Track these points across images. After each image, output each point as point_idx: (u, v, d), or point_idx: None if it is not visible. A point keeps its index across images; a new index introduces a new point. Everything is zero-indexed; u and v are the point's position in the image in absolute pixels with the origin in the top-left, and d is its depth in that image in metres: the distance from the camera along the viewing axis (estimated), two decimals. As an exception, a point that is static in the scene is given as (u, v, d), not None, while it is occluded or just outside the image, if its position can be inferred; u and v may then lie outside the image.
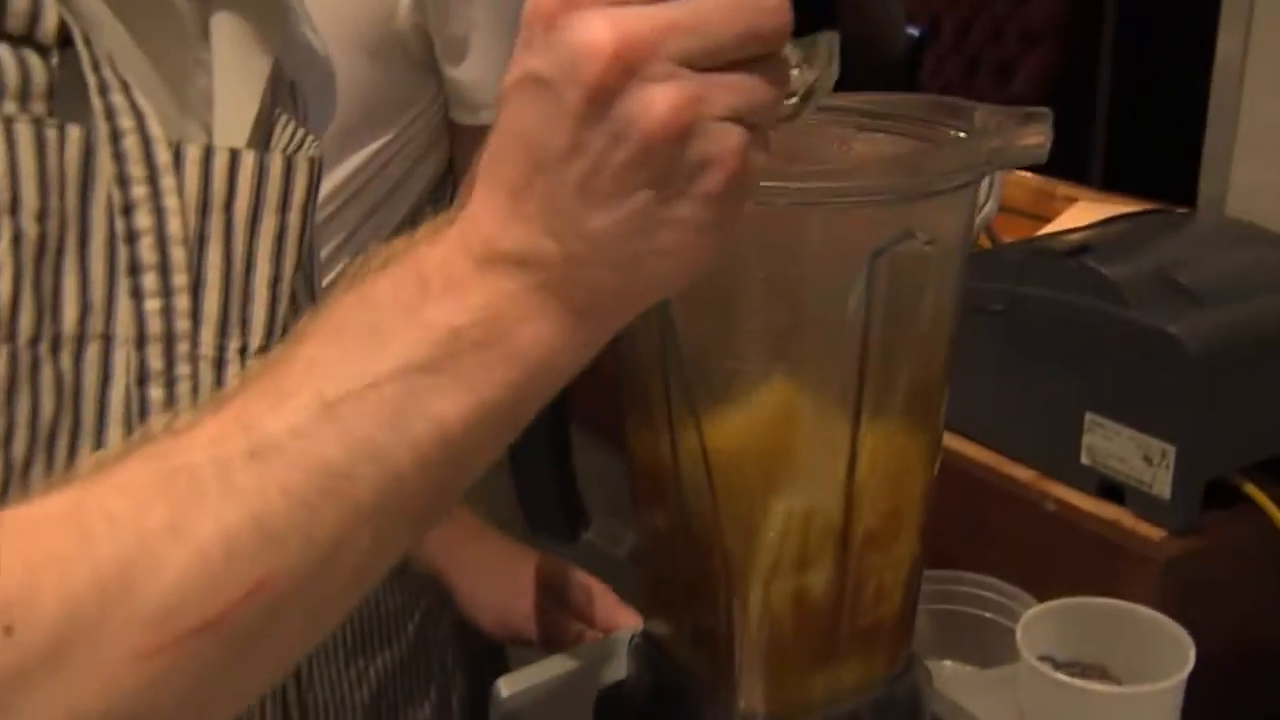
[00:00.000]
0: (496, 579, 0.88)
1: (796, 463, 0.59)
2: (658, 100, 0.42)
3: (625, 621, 0.83)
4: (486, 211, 0.45)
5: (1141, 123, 2.86)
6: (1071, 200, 1.40)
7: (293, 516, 0.42)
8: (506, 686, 0.73)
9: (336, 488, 0.43)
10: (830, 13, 1.84)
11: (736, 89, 0.43)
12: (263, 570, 0.42)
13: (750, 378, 0.58)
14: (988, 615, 0.89)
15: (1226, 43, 1.00)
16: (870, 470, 0.59)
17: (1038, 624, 0.82)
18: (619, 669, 0.71)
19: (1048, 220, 1.34)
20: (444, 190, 1.36)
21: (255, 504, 0.42)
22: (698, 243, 0.44)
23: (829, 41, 0.49)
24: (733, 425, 0.58)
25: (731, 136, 0.43)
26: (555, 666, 0.75)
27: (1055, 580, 0.85)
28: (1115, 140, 2.89)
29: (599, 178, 0.43)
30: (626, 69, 0.41)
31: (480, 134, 1.37)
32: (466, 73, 1.22)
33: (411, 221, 1.32)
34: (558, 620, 0.85)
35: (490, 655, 1.54)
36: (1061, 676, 0.78)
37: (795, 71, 0.47)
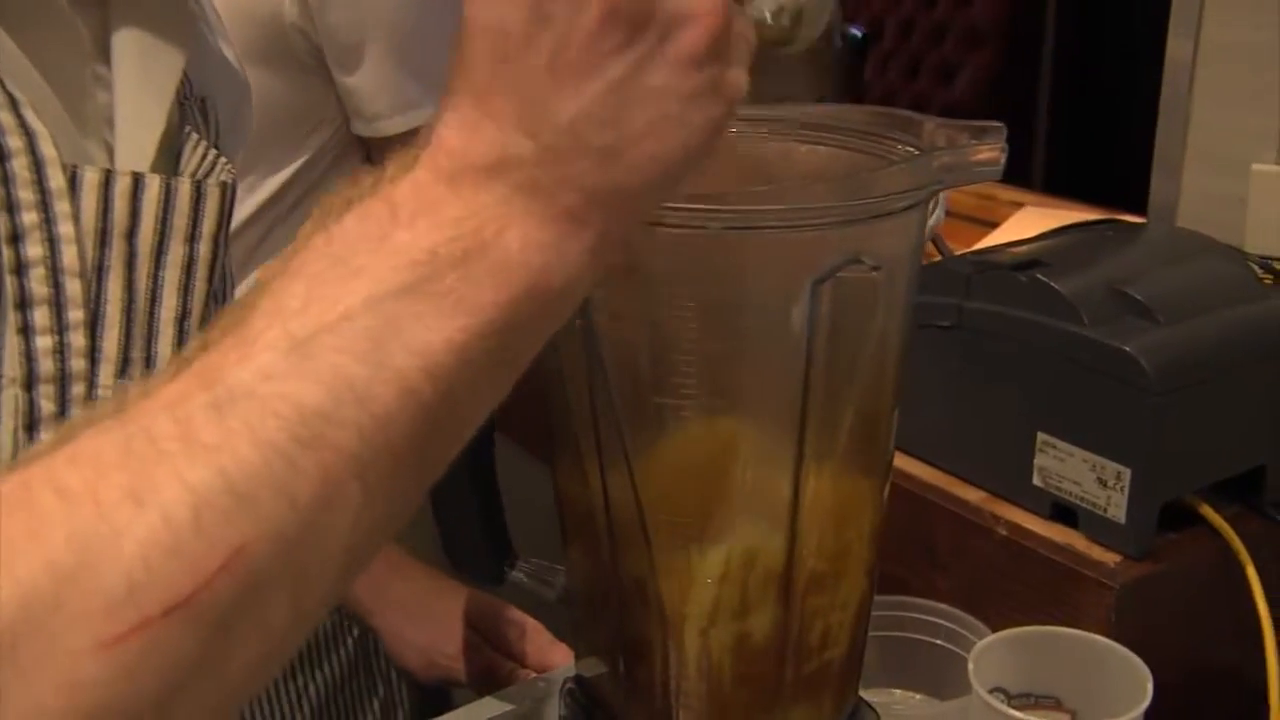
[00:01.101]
0: (422, 618, 0.84)
1: (735, 503, 0.55)
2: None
3: (559, 659, 0.79)
4: (454, 123, 0.40)
5: (1082, 126, 2.85)
6: (1016, 205, 1.38)
7: (269, 471, 0.36)
8: (432, 732, 0.69)
9: (316, 434, 0.36)
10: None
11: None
12: (238, 537, 0.35)
13: (685, 414, 0.54)
14: (938, 642, 0.85)
15: (1175, 49, 0.97)
16: (814, 509, 0.56)
17: (989, 654, 0.78)
18: (552, 712, 0.67)
19: (992, 225, 1.32)
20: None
21: (225, 459, 0.35)
22: (682, 118, 0.39)
23: None
24: (667, 465, 0.54)
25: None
26: (486, 710, 0.71)
27: (1007, 605, 0.82)
28: (1056, 143, 2.88)
29: (567, 52, 0.39)
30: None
31: (389, 144, 1.33)
32: (361, 81, 1.18)
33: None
34: (488, 659, 0.81)
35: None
36: (1014, 713, 0.75)
37: None
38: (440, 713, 1.48)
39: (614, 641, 0.60)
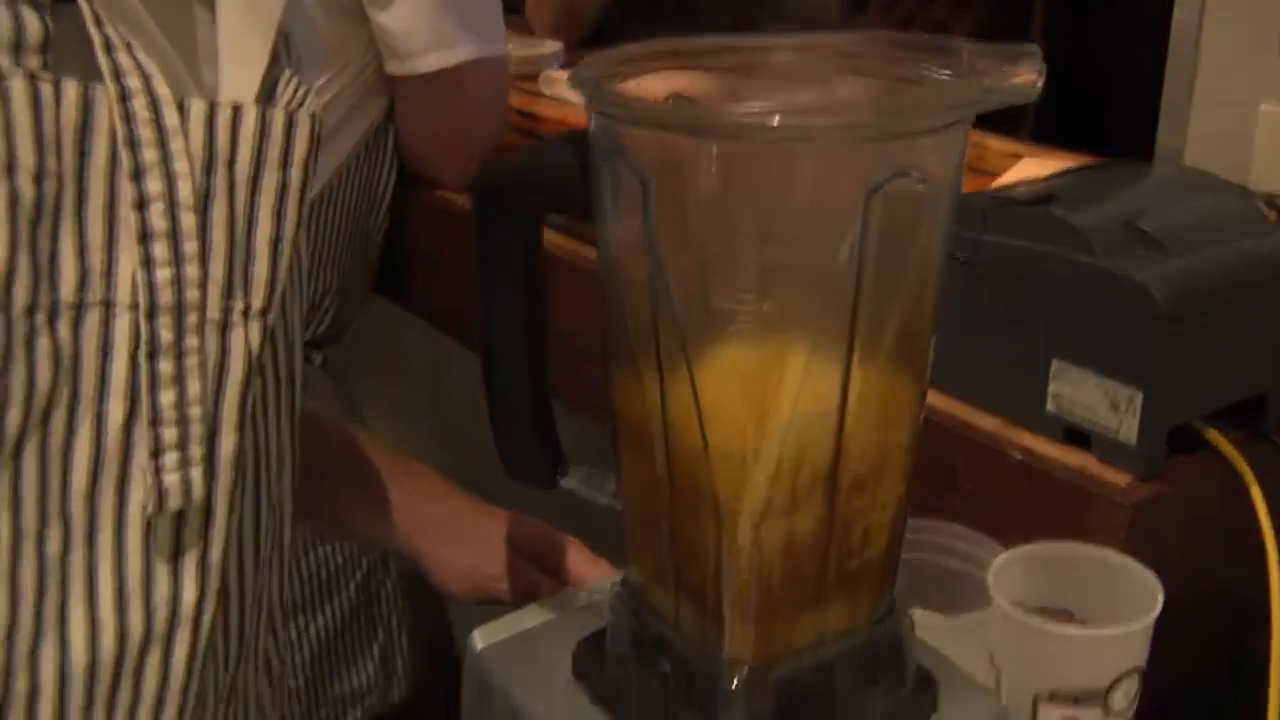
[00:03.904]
0: (464, 541, 0.87)
1: (788, 406, 0.58)
2: None
3: (600, 576, 0.82)
4: None
5: (1072, 76, 2.87)
6: (1011, 155, 1.41)
7: None
8: (482, 638, 0.72)
9: None
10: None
11: None
12: None
13: (742, 321, 0.57)
14: (954, 564, 0.89)
15: (1184, -6, 1.01)
16: (860, 412, 0.59)
17: (1007, 569, 0.82)
18: (597, 619, 0.71)
19: (987, 174, 1.35)
20: (381, 138, 1.33)
21: None
22: None
23: None
24: (724, 368, 0.57)
25: None
26: (531, 617, 0.74)
27: (1023, 527, 0.85)
28: (1046, 93, 2.90)
29: None
30: None
31: (414, 83, 1.34)
32: (394, 20, 1.20)
33: (343, 176, 1.30)
34: (531, 579, 0.84)
35: (435, 616, 1.53)
36: (1035, 620, 0.79)
37: None
38: (441, 662, 1.52)
39: (665, 542, 0.63)
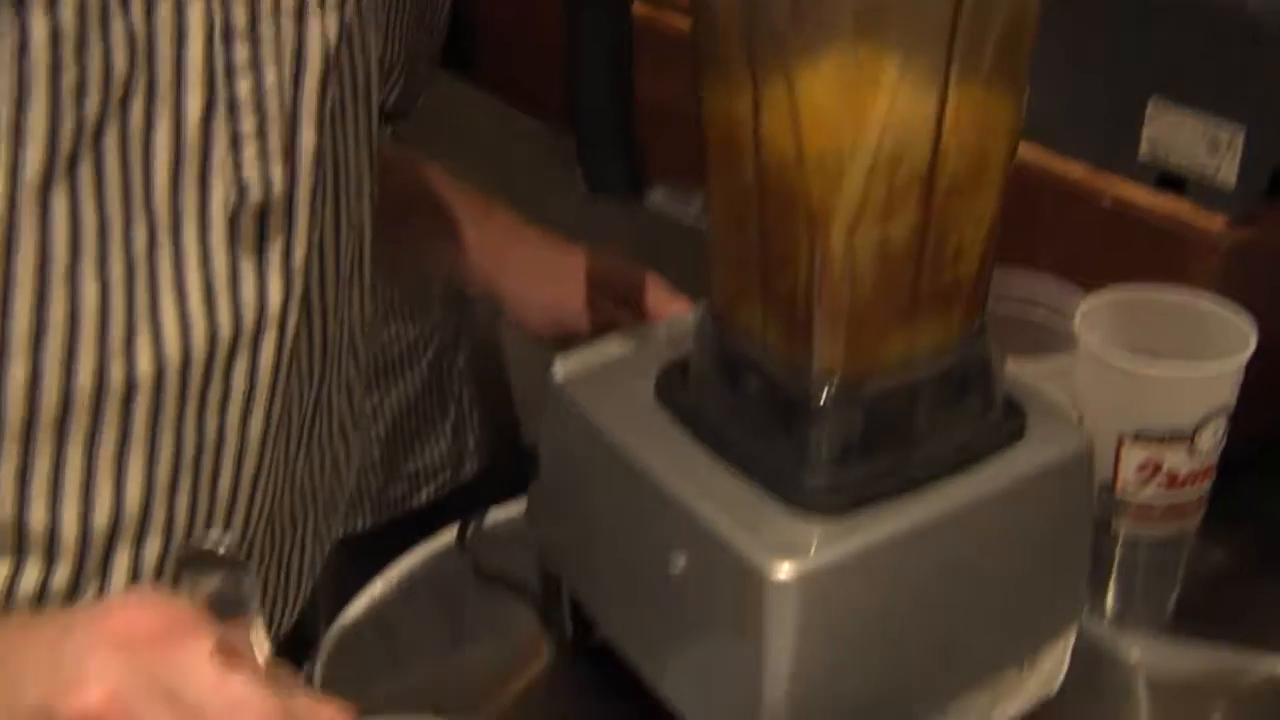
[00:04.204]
0: (544, 278, 0.86)
1: (885, 105, 0.56)
2: None
3: (680, 310, 0.81)
4: None
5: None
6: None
7: None
8: (562, 369, 0.72)
9: None
10: None
11: None
12: None
13: (840, 20, 0.55)
14: (1039, 315, 0.87)
15: None
16: (958, 116, 0.57)
17: (1094, 313, 0.81)
18: (678, 349, 0.70)
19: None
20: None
21: None
22: None
23: None
24: (821, 70, 0.55)
25: None
26: (611, 348, 0.73)
27: (1109, 277, 0.84)
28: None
29: None
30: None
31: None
32: None
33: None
34: (609, 314, 0.84)
35: (504, 393, 1.55)
36: (1124, 356, 0.77)
37: None
38: (512, 440, 1.53)
39: (754, 257, 0.62)
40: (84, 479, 0.56)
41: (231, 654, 0.43)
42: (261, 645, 0.43)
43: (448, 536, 1.07)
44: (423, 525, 1.04)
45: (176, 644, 0.43)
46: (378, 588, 1.00)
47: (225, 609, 0.42)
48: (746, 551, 0.61)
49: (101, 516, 0.57)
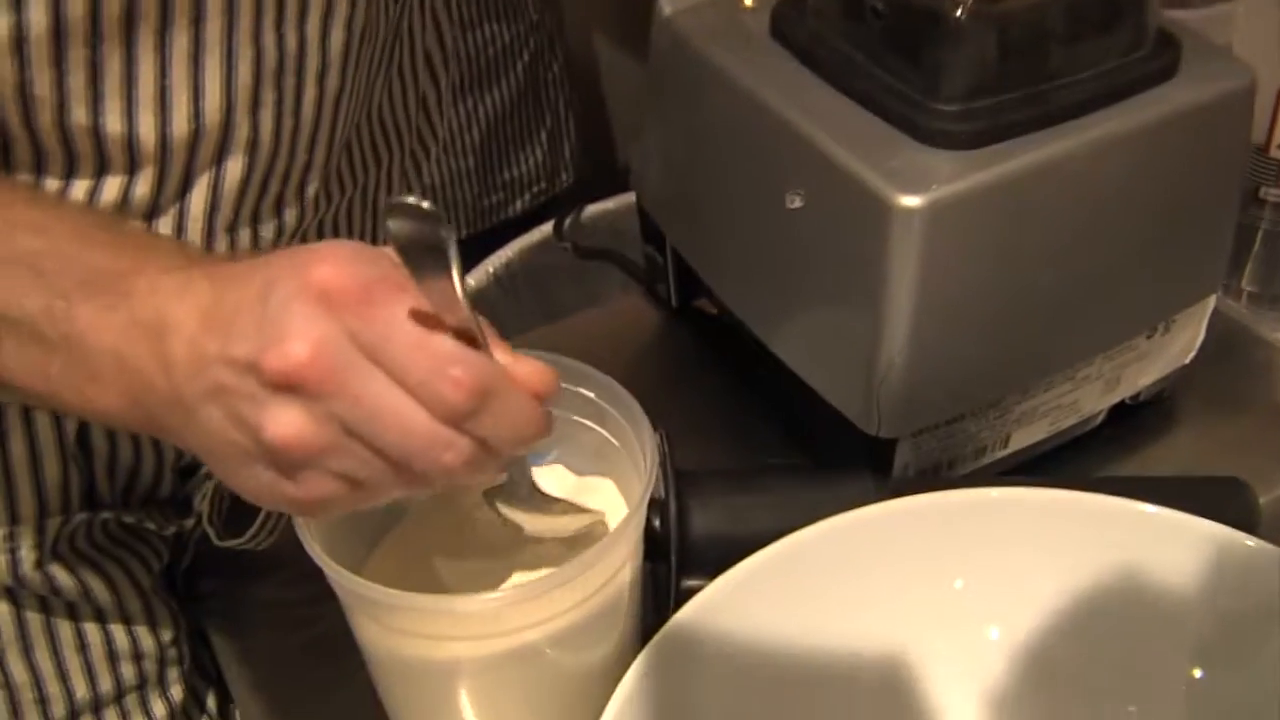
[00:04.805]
0: None
1: None
2: (288, 422, 0.41)
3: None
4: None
5: None
6: None
7: None
8: (669, 2, 0.67)
9: None
10: None
11: (364, 464, 0.42)
12: None
13: None
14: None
15: None
16: None
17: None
18: None
19: None
20: None
21: None
22: (271, 501, 0.44)
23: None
24: None
25: (323, 487, 0.42)
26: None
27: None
28: None
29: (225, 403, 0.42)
30: (299, 385, 0.41)
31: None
32: None
33: None
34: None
35: (601, 103, 1.49)
36: None
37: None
38: (609, 157, 1.47)
39: None
40: (158, 86, 0.53)
41: (429, 315, 0.42)
42: (461, 303, 0.41)
43: (545, 230, 1.05)
44: (519, 233, 1.01)
45: (379, 302, 0.41)
46: (476, 276, 0.98)
47: (424, 262, 0.40)
48: (871, 183, 0.56)
49: (181, 125, 0.54)
